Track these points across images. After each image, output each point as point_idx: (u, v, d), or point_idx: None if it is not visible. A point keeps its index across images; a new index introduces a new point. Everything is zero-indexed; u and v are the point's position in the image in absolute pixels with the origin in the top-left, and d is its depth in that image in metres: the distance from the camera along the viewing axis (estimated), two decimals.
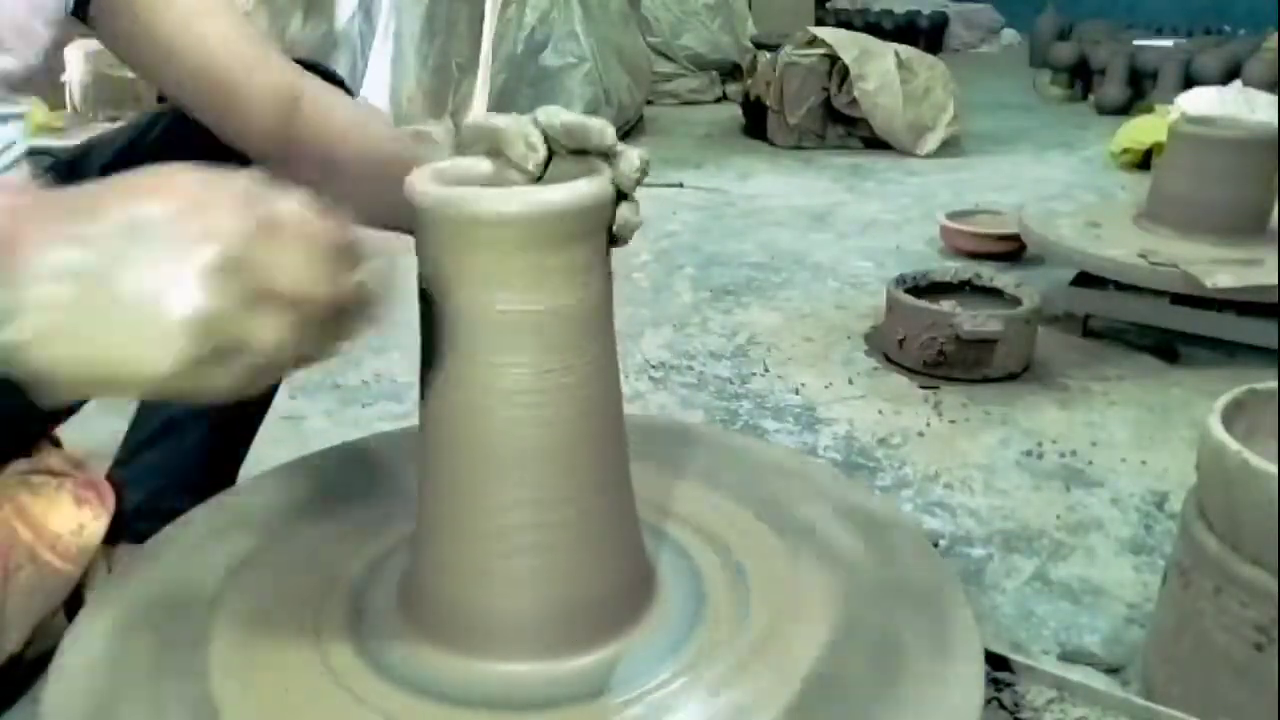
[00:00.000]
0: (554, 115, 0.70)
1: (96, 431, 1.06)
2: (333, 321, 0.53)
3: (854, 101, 4.08)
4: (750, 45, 5.35)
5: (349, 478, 0.99)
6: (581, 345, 0.71)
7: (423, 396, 0.74)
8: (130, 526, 1.01)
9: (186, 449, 1.08)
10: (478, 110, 3.40)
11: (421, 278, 0.71)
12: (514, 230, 0.66)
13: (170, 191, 0.50)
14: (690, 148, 4.36)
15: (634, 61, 4.51)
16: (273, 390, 1.12)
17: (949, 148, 4.11)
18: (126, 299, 0.47)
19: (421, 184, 0.69)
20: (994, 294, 2.13)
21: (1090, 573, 1.36)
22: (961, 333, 1.90)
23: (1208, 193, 2.14)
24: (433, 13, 3.65)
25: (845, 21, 6.79)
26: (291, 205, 0.52)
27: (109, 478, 1.03)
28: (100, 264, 0.47)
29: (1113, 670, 1.17)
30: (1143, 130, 3.69)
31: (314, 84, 0.94)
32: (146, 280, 0.47)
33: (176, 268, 0.47)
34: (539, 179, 0.71)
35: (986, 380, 1.94)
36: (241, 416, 1.11)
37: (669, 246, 2.92)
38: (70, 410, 1.04)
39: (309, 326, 0.51)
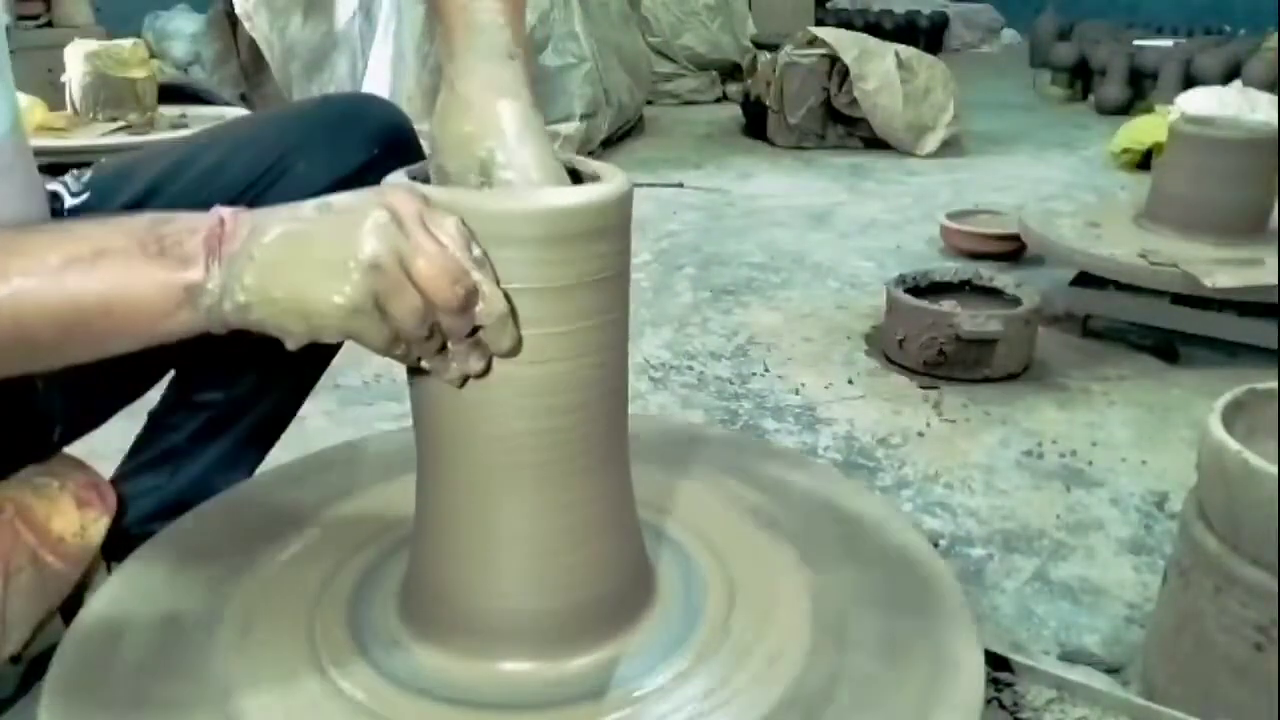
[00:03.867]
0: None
1: (97, 433, 1.06)
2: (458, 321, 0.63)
3: (854, 101, 4.08)
4: (750, 45, 5.35)
5: (348, 478, 0.99)
6: (583, 344, 0.70)
7: (419, 396, 0.74)
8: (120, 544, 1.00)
9: (181, 481, 1.07)
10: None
11: None
12: (516, 230, 0.66)
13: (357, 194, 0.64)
14: (690, 148, 4.36)
15: (634, 61, 4.51)
16: (258, 455, 1.12)
17: (949, 148, 4.11)
18: (319, 249, 0.60)
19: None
20: (994, 294, 2.13)
21: (1090, 573, 1.37)
22: (961, 333, 1.90)
23: (1208, 193, 2.14)
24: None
25: (845, 21, 6.79)
26: (452, 220, 0.63)
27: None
28: (302, 229, 0.61)
29: (1113, 670, 1.17)
30: (1143, 130, 3.69)
31: None
32: (335, 233, 0.61)
33: (356, 226, 0.60)
34: None
35: (986, 380, 1.95)
36: (239, 459, 1.10)
37: (669, 246, 2.92)
38: (91, 425, 1.04)
39: (439, 316, 0.62)
